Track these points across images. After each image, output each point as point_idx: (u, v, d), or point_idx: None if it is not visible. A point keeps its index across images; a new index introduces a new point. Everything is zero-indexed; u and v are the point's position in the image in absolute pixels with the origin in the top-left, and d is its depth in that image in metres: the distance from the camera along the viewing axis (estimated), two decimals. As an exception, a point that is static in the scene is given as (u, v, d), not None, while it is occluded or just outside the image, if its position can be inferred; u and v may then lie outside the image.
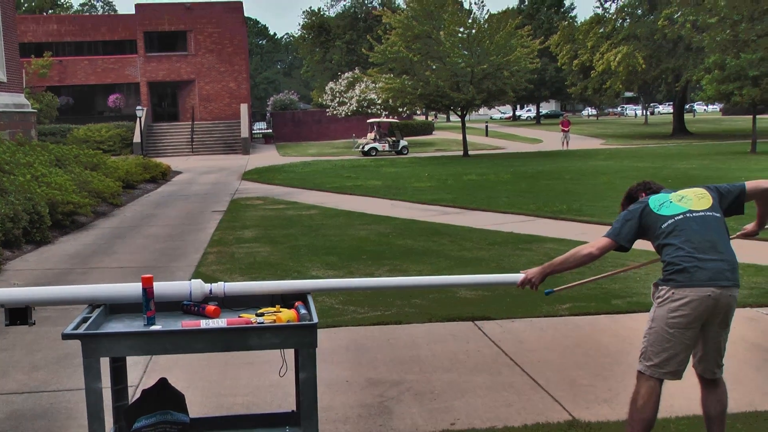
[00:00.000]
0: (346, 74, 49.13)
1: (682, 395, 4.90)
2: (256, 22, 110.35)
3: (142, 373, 5.72)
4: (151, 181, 24.37)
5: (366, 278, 4.69)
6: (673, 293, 3.92)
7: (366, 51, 39.27)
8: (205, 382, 5.53)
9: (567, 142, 40.80)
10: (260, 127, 59.08)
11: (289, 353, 4.16)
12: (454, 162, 32.31)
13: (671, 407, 4.82)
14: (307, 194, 20.11)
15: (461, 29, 35.26)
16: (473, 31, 34.93)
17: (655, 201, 4.17)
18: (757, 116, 34.28)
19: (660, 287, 4.02)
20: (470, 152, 37.01)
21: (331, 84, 49.07)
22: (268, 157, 38.37)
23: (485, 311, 7.51)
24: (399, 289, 7.72)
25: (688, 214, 4.04)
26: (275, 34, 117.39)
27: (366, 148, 38.33)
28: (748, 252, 8.45)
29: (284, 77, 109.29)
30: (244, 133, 43.04)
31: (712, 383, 4.16)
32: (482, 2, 37.12)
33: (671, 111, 65.88)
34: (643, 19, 49.95)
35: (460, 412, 4.98)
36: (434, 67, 35.07)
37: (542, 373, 5.74)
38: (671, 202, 4.13)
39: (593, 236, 11.91)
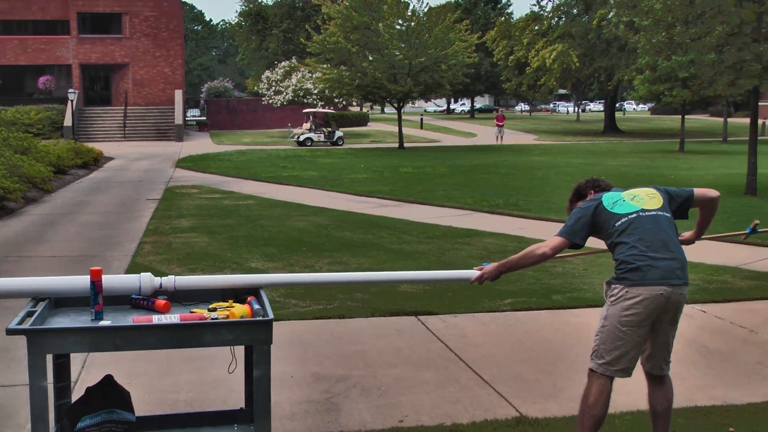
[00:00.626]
0: (283, 63, 48.69)
1: (623, 391, 4.94)
2: (192, 7, 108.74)
3: (81, 368, 5.56)
4: (83, 167, 23.81)
5: (321, 273, 4.64)
6: (626, 292, 3.96)
7: (304, 41, 38.99)
8: (145, 379, 5.41)
9: (501, 137, 41.20)
10: (194, 114, 58.25)
11: (238, 348, 4.07)
12: (390, 154, 32.34)
13: (614, 403, 4.86)
14: (243, 183, 19.89)
15: (400, 21, 35.25)
16: (412, 23, 34.95)
17: (608, 199, 4.19)
18: (686, 116, 35.16)
19: (613, 286, 4.06)
20: (405, 144, 37.08)
21: (267, 73, 48.56)
22: (202, 144, 37.87)
23: (428, 306, 7.51)
24: (353, 284, 7.66)
25: (641, 213, 4.08)
26: (211, 20, 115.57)
27: (301, 138, 38.11)
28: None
29: (219, 64, 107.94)
30: (178, 119, 42.34)
31: (659, 380, 4.22)
32: (421, -5, 37.21)
33: (602, 109, 67.08)
34: (578, 19, 50.68)
35: (408, 409, 4.97)
36: (371, 58, 35.02)
37: (487, 368, 5.76)
38: (624, 200, 4.16)
39: (531, 231, 12.12)
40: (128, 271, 8.80)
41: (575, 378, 5.50)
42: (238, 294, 4.09)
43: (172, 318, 3.56)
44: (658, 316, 4.00)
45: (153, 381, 5.33)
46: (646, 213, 4.09)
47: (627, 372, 4.06)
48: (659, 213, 4.11)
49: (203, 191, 17.91)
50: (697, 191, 4.33)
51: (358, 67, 34.31)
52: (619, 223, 4.07)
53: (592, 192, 4.42)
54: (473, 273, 4.40)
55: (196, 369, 5.62)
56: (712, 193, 4.35)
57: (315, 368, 5.71)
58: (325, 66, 36.49)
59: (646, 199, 4.16)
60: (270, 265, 9.42)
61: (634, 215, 4.07)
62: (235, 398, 5.01)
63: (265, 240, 11.22)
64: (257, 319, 3.58)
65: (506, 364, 5.86)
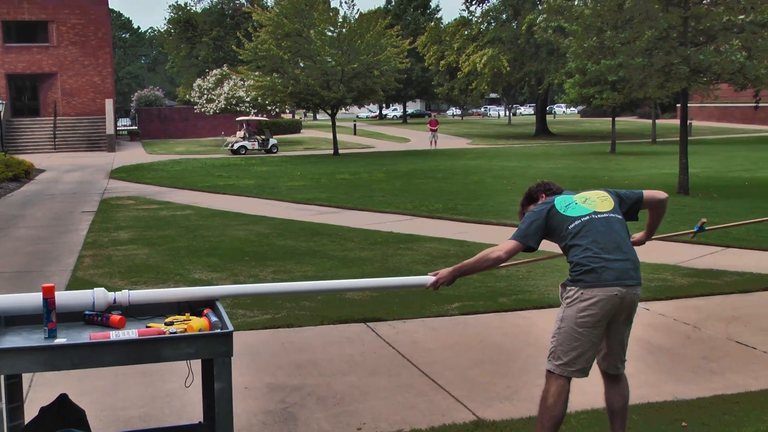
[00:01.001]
0: (215, 71, 48.19)
1: (579, 391, 5.00)
2: (120, 14, 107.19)
3: (28, 388, 5.41)
4: (14, 180, 23.20)
5: (277, 283, 4.59)
6: (582, 293, 4.01)
7: (235, 48, 38.72)
8: (96, 395, 5.29)
9: (435, 142, 41.48)
10: (124, 123, 57.22)
11: (194, 361, 3.99)
12: (325, 161, 32.30)
13: (571, 403, 4.92)
14: (180, 194, 19.62)
15: (331, 28, 35.24)
16: (344, 30, 34.97)
17: (560, 202, 4.24)
18: (615, 119, 35.89)
19: (568, 288, 4.10)
20: (340, 151, 37.08)
21: (198, 81, 48.01)
22: (134, 154, 37.26)
23: (376, 312, 7.51)
24: (310, 293, 7.63)
25: (593, 215, 4.14)
26: (139, 27, 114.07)
27: (235, 146, 37.80)
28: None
29: (148, 72, 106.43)
30: (110, 129, 41.53)
31: (615, 378, 4.30)
32: (352, 1, 37.25)
33: (533, 112, 67.97)
34: (507, 24, 51.35)
35: (366, 416, 4.96)
36: (302, 65, 34.93)
37: (441, 373, 5.78)
38: (576, 203, 4.21)
39: (471, 235, 12.22)
40: (69, 287, 8.60)
41: (528, 380, 5.56)
42: (194, 307, 4.03)
43: (130, 333, 3.48)
44: (613, 316, 4.06)
45: (104, 398, 5.21)
46: (599, 215, 4.15)
47: (584, 372, 4.12)
48: (611, 215, 4.18)
49: (140, 202, 17.62)
50: (647, 193, 4.43)
51: (291, 74, 34.18)
52: (573, 225, 4.12)
53: (544, 195, 4.46)
54: (428, 279, 4.40)
55: (147, 384, 5.52)
56: (661, 195, 4.46)
57: (268, 378, 5.66)
58: (257, 73, 36.28)
59: (597, 201, 4.23)
60: (214, 275, 9.31)
61: (587, 218, 4.13)
62: (189, 412, 4.94)
63: (207, 250, 11.09)
64: (217, 331, 3.53)
65: (459, 368, 5.89)
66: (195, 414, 4.79)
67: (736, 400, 5.17)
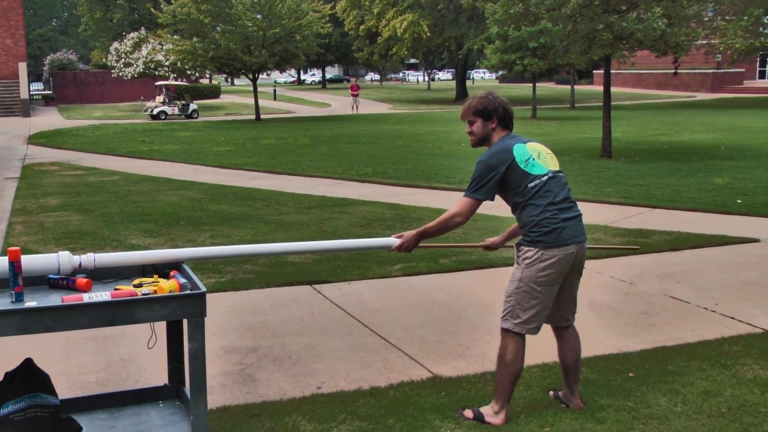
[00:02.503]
0: (132, 34, 47.00)
1: (531, 346, 5.15)
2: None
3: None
4: (-75, 147, 22.36)
5: (243, 245, 4.57)
6: (542, 254, 4.12)
7: (153, 11, 37.82)
8: (48, 362, 5.15)
9: (357, 107, 41.48)
10: (37, 87, 55.32)
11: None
12: (248, 126, 31.97)
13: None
14: (104, 159, 19.19)
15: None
16: (265, -6, 34.50)
17: (519, 155, 4.17)
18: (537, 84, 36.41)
19: (526, 249, 4.18)
20: (262, 116, 36.72)
21: (115, 44, 46.75)
22: (51, 120, 36.17)
23: (320, 275, 7.56)
24: (278, 254, 7.62)
25: (550, 175, 4.18)
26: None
27: (155, 111, 37.06)
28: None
29: (61, 35, 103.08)
30: (24, 94, 40.15)
31: (566, 332, 4.45)
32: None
33: (451, 77, 68.31)
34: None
35: (324, 375, 5.02)
36: (219, 28, 34.37)
37: (392, 332, 5.87)
38: (534, 159, 4.19)
39: (404, 198, 12.34)
40: (3, 254, 8.40)
41: (477, 337, 5.71)
42: (159, 269, 4.02)
43: (103, 296, 3.46)
44: (568, 272, 4.21)
45: (58, 365, 5.14)
46: (554, 175, 4.23)
47: (538, 329, 4.26)
48: (559, 173, 4.28)
49: (64, 168, 17.18)
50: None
51: (212, 39, 33.61)
52: (532, 185, 4.14)
53: (496, 121, 4.28)
54: (393, 241, 4.45)
55: (99, 349, 5.47)
56: None
57: (222, 341, 5.67)
58: (176, 37, 35.56)
59: (549, 159, 4.27)
60: (151, 241, 9.21)
61: (546, 177, 4.16)
62: (147, 376, 4.93)
63: (141, 216, 10.94)
64: (191, 292, 3.54)
65: (409, 328, 5.99)
66: (153, 378, 4.78)
67: (677, 351, 5.41)
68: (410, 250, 4.47)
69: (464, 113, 4.37)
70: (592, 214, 10.35)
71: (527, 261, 4.17)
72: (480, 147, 4.37)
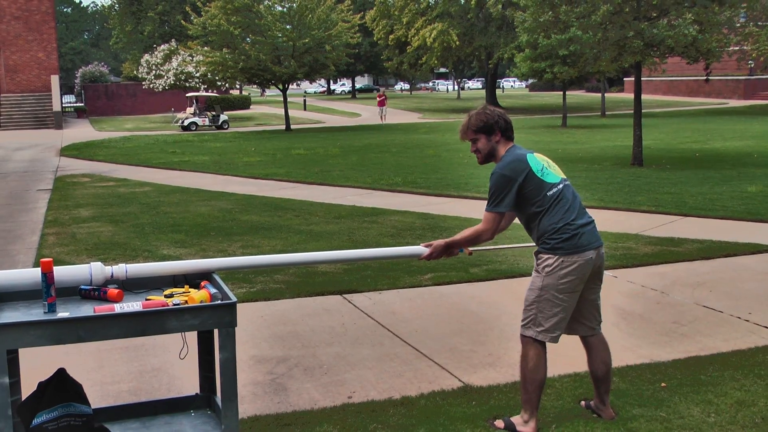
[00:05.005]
0: (163, 46, 47.48)
1: (564, 355, 5.14)
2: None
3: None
4: (-39, 159, 22.69)
5: (275, 255, 4.59)
6: (562, 261, 4.11)
7: (184, 23, 38.19)
8: (82, 371, 5.25)
9: (384, 116, 41.66)
10: (69, 100, 55.98)
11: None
12: (278, 136, 32.13)
13: (554, 367, 5.06)
14: (135, 170, 19.37)
15: (282, 1, 34.99)
16: (294, 5, 34.72)
17: (534, 164, 4.19)
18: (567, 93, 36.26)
19: (546, 256, 4.17)
20: (292, 126, 36.91)
21: (147, 56, 47.25)
22: (83, 132, 36.61)
23: (350, 284, 7.57)
24: (310, 264, 7.64)
25: (564, 184, 4.23)
26: (81, 1, 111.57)
27: (186, 122, 37.39)
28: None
29: (92, 48, 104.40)
30: (56, 106, 40.69)
31: (594, 341, 4.41)
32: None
33: (481, 86, 68.24)
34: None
35: (355, 385, 5.03)
36: (248, 39, 34.62)
37: (423, 342, 5.87)
38: (546, 168, 4.21)
39: (434, 208, 12.32)
40: (35, 265, 8.50)
41: (509, 346, 5.68)
42: (190, 279, 4.05)
43: (135, 306, 3.49)
44: (588, 278, 4.20)
45: (90, 374, 5.19)
46: (566, 183, 4.26)
47: (559, 337, 4.25)
48: (568, 182, 4.31)
49: (95, 179, 17.36)
50: None
51: (242, 50, 33.87)
52: (551, 193, 4.15)
53: (499, 134, 4.31)
54: (422, 249, 4.45)
55: (131, 359, 5.52)
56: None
57: (253, 351, 5.69)
58: (206, 49, 35.87)
59: (556, 167, 4.32)
60: (182, 251, 9.27)
61: (561, 186, 4.20)
62: (179, 385, 4.96)
63: (172, 226, 11.02)
64: (222, 302, 3.56)
65: (440, 337, 5.98)
66: (185, 387, 4.81)
67: (710, 361, 5.35)
68: (437, 258, 4.46)
69: (464, 133, 4.38)
70: (623, 222, 10.32)
71: (548, 269, 4.16)
72: (488, 163, 4.39)
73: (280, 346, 5.82)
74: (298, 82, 40.17)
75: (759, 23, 30.07)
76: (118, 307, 3.48)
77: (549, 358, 4.28)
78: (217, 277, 3.96)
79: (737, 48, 18.30)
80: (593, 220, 4.28)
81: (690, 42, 16.21)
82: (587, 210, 4.35)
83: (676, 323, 6.26)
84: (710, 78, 33.14)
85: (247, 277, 7.86)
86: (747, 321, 6.27)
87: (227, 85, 45.27)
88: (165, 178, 17.56)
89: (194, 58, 40.97)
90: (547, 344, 4.26)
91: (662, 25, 16.32)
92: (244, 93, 69.10)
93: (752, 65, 49.50)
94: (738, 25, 18.12)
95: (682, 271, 7.94)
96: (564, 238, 4.11)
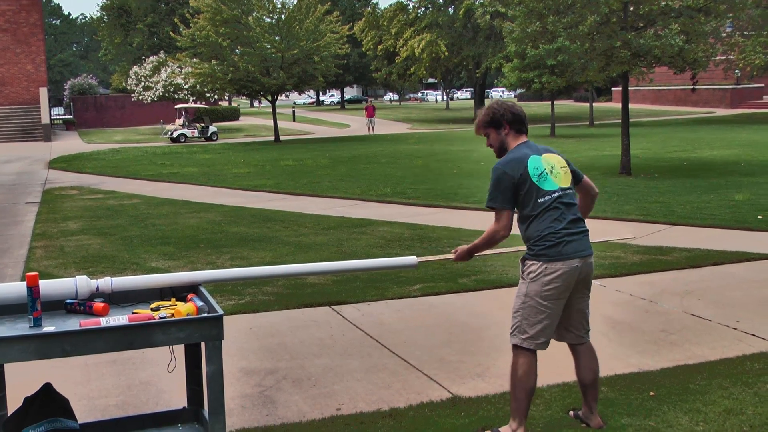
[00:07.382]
0: (152, 58, 47.41)
1: (552, 365, 5.14)
2: (49, 0, 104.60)
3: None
4: (-52, 172, 22.58)
5: (261, 267, 4.55)
6: (545, 268, 4.13)
7: (173, 34, 38.17)
8: (69, 385, 5.21)
9: (372, 127, 41.65)
10: (57, 112, 55.73)
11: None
12: (267, 148, 32.10)
13: (543, 376, 5.05)
14: (124, 183, 19.32)
15: (270, 13, 35.01)
16: (282, 16, 34.76)
17: (533, 168, 4.22)
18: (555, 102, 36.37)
19: (530, 263, 4.21)
20: (281, 138, 36.90)
21: (135, 68, 47.14)
22: (72, 144, 36.50)
23: (339, 296, 7.56)
24: (298, 275, 7.56)
25: (560, 192, 4.23)
26: (69, 13, 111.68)
27: (175, 134, 37.29)
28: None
29: (81, 60, 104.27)
30: (45, 119, 40.50)
31: (582, 349, 4.42)
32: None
33: (469, 96, 68.42)
34: (444, 9, 51.63)
35: (343, 397, 5.01)
36: (237, 51, 34.61)
37: (411, 353, 5.86)
38: (546, 174, 4.23)
39: (424, 218, 12.32)
40: (23, 278, 8.45)
41: (498, 356, 5.68)
42: (176, 292, 4.04)
43: (121, 319, 3.48)
44: (574, 286, 4.20)
45: (77, 388, 5.16)
46: (564, 192, 4.25)
47: (546, 344, 4.26)
48: (570, 191, 4.31)
49: (84, 192, 17.31)
50: (586, 180, 4.56)
51: (230, 61, 33.86)
52: (543, 200, 4.18)
53: (507, 126, 4.38)
54: (413, 260, 4.53)
55: (118, 373, 5.49)
56: (595, 189, 4.61)
57: (241, 363, 5.67)
58: (195, 60, 35.85)
59: (562, 174, 4.30)
60: (171, 264, 9.25)
61: (556, 194, 4.21)
62: (167, 399, 4.94)
63: (160, 239, 10.99)
64: (208, 315, 3.56)
65: (428, 348, 5.98)
66: (173, 400, 4.79)
67: (698, 369, 5.36)
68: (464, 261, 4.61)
69: (477, 129, 4.50)
70: (612, 231, 10.32)
71: (532, 275, 4.19)
72: (502, 156, 4.41)
73: (269, 358, 5.80)
74: (287, 94, 40.13)
75: (745, 33, 30.25)
76: (104, 321, 3.47)
77: (538, 368, 4.27)
78: (203, 290, 3.95)
79: (723, 57, 18.39)
80: (586, 230, 4.28)
81: (676, 52, 16.30)
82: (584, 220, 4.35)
83: (664, 332, 6.27)
84: (697, 87, 33.30)
85: (235, 289, 7.84)
86: (735, 329, 6.29)
87: (216, 96, 45.23)
88: (154, 190, 17.52)
89: (183, 70, 40.91)
90: (538, 353, 4.26)
91: (649, 36, 16.41)
92: (233, 104, 69.05)
93: (739, 74, 49.76)
94: (724, 35, 18.19)
95: (670, 280, 7.96)
96: (548, 245, 4.14)
